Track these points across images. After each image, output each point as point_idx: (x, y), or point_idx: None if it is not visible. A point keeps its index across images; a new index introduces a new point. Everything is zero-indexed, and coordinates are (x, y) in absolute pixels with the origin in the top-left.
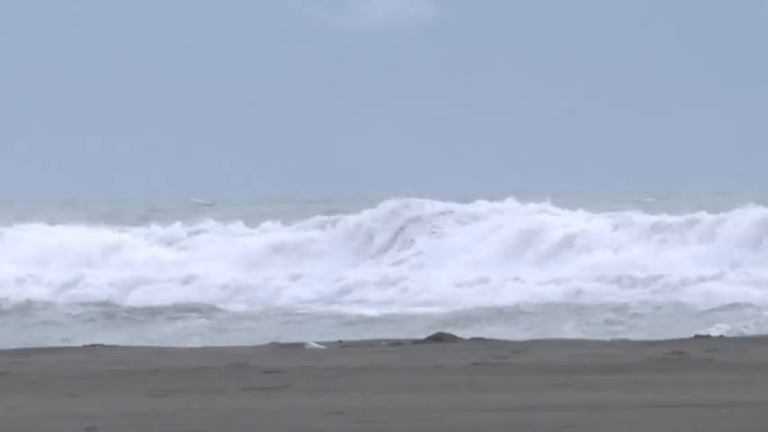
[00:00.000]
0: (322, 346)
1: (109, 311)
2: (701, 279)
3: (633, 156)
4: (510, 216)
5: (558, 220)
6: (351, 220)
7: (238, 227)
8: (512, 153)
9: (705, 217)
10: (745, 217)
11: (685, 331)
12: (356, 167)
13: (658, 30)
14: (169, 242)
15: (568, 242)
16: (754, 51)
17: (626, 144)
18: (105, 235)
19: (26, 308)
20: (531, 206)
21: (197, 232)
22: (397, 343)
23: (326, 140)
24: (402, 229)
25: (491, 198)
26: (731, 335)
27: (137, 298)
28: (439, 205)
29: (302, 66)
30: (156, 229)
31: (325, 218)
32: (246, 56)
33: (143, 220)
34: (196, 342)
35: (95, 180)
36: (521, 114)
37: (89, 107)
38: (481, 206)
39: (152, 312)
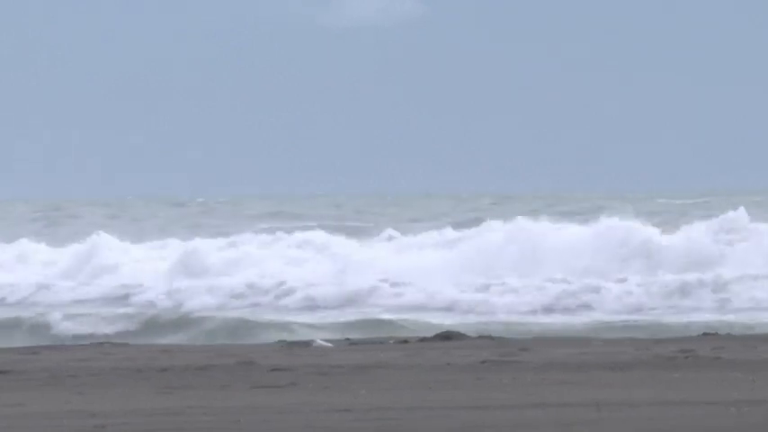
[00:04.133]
0: (329, 344)
1: None
2: None
3: (626, 155)
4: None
5: None
6: None
7: None
8: (506, 151)
9: None
10: None
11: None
12: (353, 166)
13: (656, 30)
14: None
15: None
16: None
17: (619, 143)
18: None
19: None
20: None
21: None
22: (405, 341)
23: (323, 138)
24: None
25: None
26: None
27: None
28: None
29: (290, 62)
30: None
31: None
32: (236, 53)
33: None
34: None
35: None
36: (511, 112)
37: (85, 106)
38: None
39: None
